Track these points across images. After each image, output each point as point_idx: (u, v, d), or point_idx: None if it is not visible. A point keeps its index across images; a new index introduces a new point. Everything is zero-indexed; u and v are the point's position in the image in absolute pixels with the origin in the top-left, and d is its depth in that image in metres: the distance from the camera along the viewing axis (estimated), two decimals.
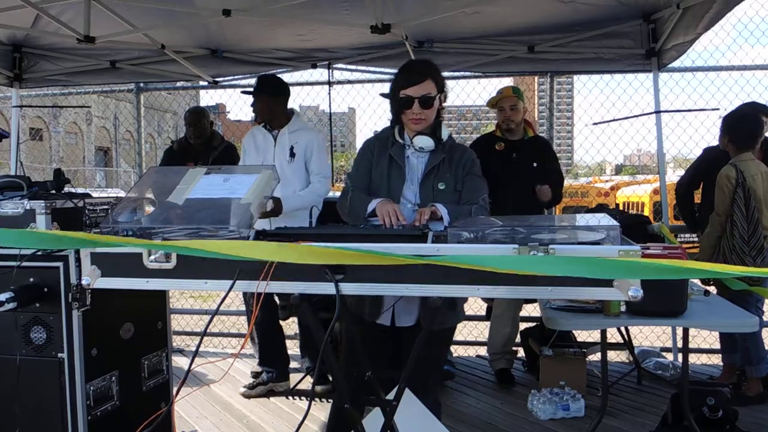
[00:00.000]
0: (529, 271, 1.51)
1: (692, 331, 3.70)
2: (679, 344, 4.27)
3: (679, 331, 3.85)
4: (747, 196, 3.64)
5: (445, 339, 2.48)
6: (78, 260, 2.09)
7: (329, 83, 5.19)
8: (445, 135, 2.37)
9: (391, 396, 1.93)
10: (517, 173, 4.06)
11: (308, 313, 1.82)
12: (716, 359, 4.69)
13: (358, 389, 2.07)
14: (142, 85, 5.68)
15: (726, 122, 3.86)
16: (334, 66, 5.03)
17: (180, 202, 1.98)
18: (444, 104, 2.43)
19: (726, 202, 3.68)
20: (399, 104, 2.32)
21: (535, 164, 4.13)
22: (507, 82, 4.86)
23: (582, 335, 4.62)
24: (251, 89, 3.90)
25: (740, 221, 3.66)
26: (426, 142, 2.33)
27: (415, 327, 2.28)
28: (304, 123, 3.98)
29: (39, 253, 2.21)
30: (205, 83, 5.37)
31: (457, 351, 4.98)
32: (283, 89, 3.88)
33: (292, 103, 3.96)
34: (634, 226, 4.29)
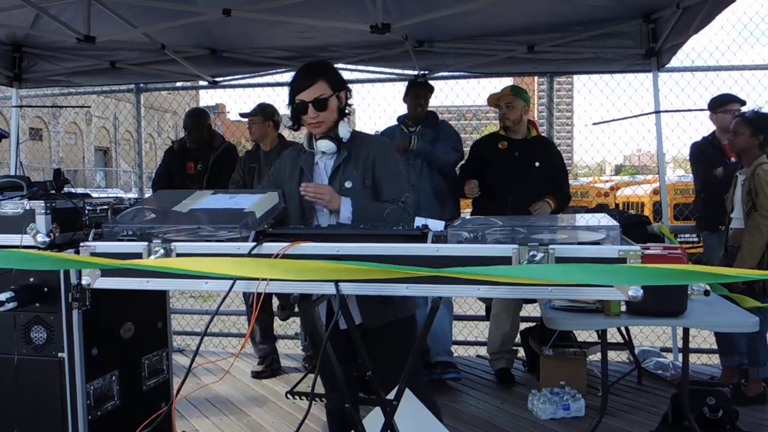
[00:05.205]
0: (533, 279, 1.52)
1: (692, 331, 3.69)
2: (679, 344, 4.27)
3: (679, 331, 3.85)
4: None
5: (400, 334, 2.30)
6: None
7: None
8: (344, 133, 2.34)
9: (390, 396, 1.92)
10: (519, 172, 4.07)
11: (308, 312, 1.82)
12: (716, 359, 4.68)
13: (354, 390, 2.06)
14: (141, 85, 5.68)
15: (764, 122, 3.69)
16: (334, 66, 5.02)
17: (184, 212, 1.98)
18: (349, 101, 2.39)
19: None
20: (296, 110, 2.31)
21: (537, 164, 4.14)
22: (507, 82, 4.87)
23: (582, 335, 4.62)
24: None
25: None
26: (327, 145, 2.33)
27: (360, 326, 2.24)
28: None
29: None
30: (205, 83, 5.37)
31: (457, 351, 4.98)
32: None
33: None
34: (634, 226, 4.29)
